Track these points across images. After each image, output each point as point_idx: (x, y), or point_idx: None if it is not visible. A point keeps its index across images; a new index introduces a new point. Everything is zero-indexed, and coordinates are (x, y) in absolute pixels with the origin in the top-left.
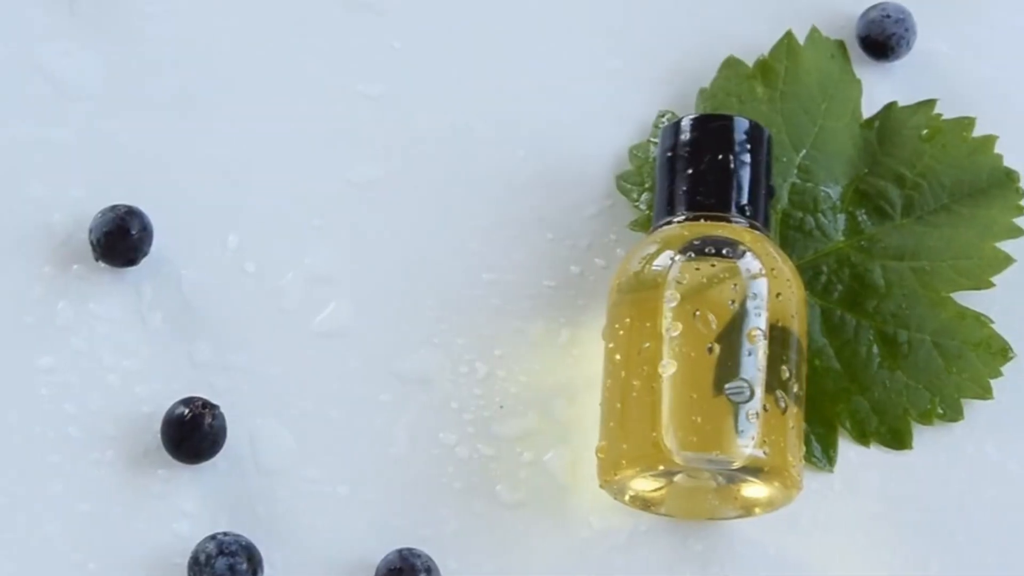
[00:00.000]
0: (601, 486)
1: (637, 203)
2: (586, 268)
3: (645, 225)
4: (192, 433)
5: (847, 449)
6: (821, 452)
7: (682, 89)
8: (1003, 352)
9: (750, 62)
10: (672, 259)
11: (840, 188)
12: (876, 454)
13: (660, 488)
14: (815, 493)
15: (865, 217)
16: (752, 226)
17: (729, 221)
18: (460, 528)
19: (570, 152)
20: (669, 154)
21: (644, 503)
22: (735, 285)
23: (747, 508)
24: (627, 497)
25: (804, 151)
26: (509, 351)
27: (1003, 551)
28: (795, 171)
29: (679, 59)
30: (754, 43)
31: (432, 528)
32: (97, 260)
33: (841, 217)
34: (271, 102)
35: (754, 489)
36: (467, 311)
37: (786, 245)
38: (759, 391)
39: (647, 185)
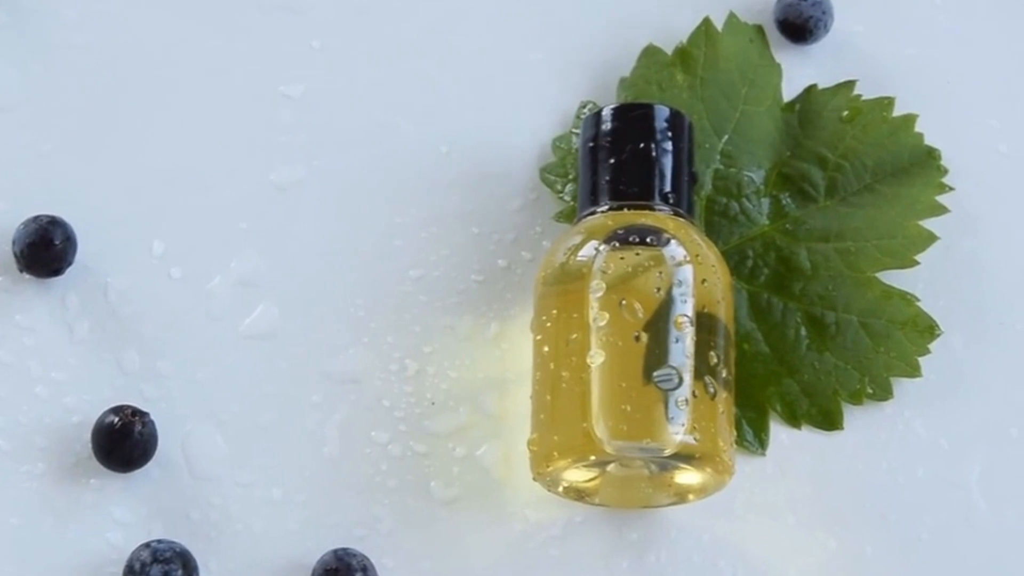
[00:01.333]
0: (534, 478)
1: (561, 194)
2: (513, 261)
3: (570, 216)
4: (123, 441)
5: (778, 432)
6: (753, 436)
7: (603, 79)
8: (930, 330)
9: (669, 50)
10: (597, 249)
11: (763, 172)
12: (807, 436)
13: (593, 478)
14: (748, 477)
15: (789, 200)
16: (676, 213)
17: (653, 209)
18: (395, 526)
19: (494, 146)
20: (591, 145)
21: (578, 494)
22: (660, 273)
23: (681, 495)
24: (561, 488)
25: (726, 136)
26: (438, 347)
27: (935, 528)
28: (718, 157)
29: (599, 49)
30: (673, 30)
31: (367, 527)
32: (21, 271)
33: (765, 201)
34: (192, 106)
35: (687, 476)
36: (395, 309)
37: (711, 231)
38: (688, 378)
39: (571, 176)
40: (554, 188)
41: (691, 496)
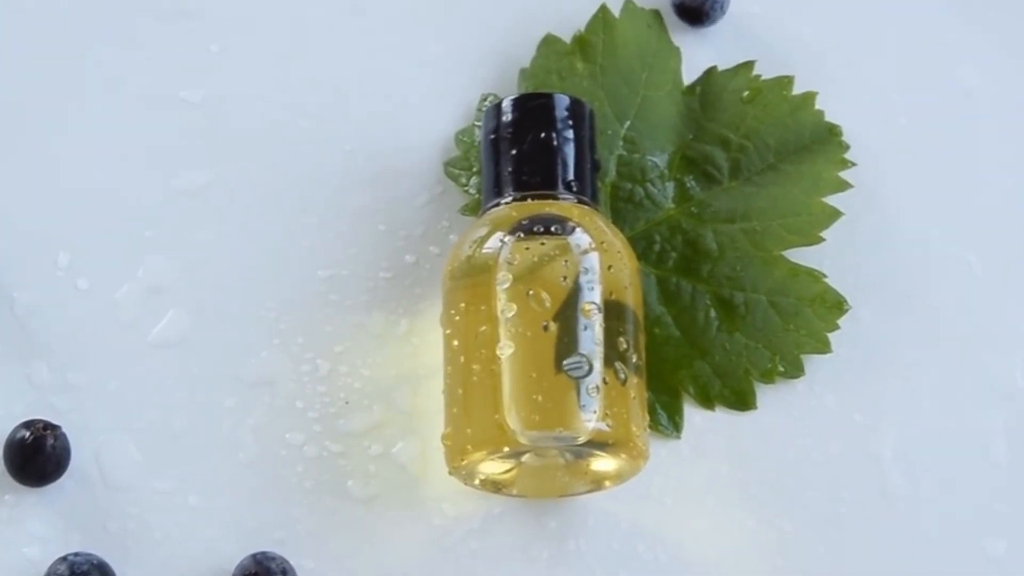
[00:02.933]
0: (450, 473)
1: (466, 188)
2: (421, 257)
3: (475, 209)
4: (35, 456)
5: (693, 414)
6: (667, 420)
7: (504, 71)
8: (838, 305)
9: (568, 39)
10: (502, 241)
11: (667, 156)
12: (721, 417)
13: (509, 470)
14: (664, 461)
15: (693, 183)
16: (580, 201)
17: (557, 198)
18: (314, 527)
19: (397, 142)
20: (492, 136)
21: (495, 486)
22: (566, 261)
23: (597, 482)
24: (477, 481)
25: (628, 122)
26: (350, 346)
27: (852, 502)
28: (621, 143)
29: (498, 41)
30: (571, 19)
31: (286, 529)
32: None
33: (670, 185)
34: (92, 115)
35: (602, 462)
36: (305, 309)
37: (617, 217)
38: (598, 365)
39: (475, 169)
40: (459, 182)
41: (607, 483)
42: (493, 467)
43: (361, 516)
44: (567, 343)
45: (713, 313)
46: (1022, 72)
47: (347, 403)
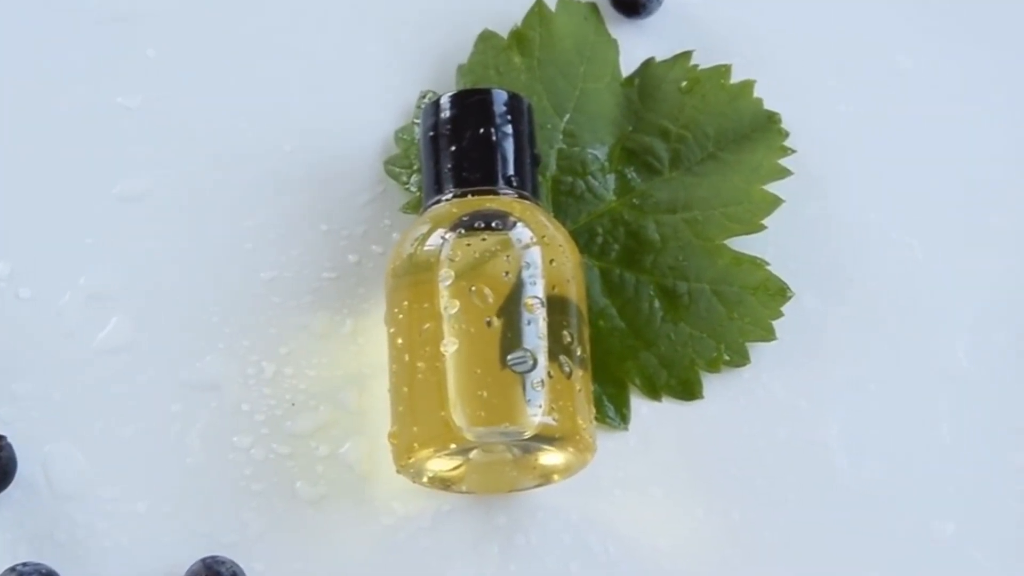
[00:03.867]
0: (398, 471)
1: (407, 186)
2: (364, 256)
3: (417, 207)
4: None
5: (640, 406)
6: (614, 411)
7: (442, 67)
8: (781, 292)
9: (505, 34)
10: (443, 238)
11: (607, 148)
12: (668, 407)
13: (457, 466)
14: (612, 453)
15: (634, 174)
16: (521, 196)
17: (497, 194)
18: (263, 530)
19: (337, 142)
20: (431, 133)
21: (443, 483)
22: (508, 257)
23: (546, 476)
24: (425, 479)
25: (568, 116)
26: (295, 347)
27: (800, 488)
28: (560, 136)
29: (436, 38)
30: (507, 14)
31: (235, 533)
32: None
33: (611, 177)
34: (29, 123)
35: (550, 456)
36: (249, 312)
37: (559, 211)
38: (542, 359)
39: (415, 167)
40: (400, 180)
41: (556, 476)
42: (441, 464)
43: (310, 517)
44: (511, 338)
45: (657, 304)
46: (958, 55)
47: (293, 404)
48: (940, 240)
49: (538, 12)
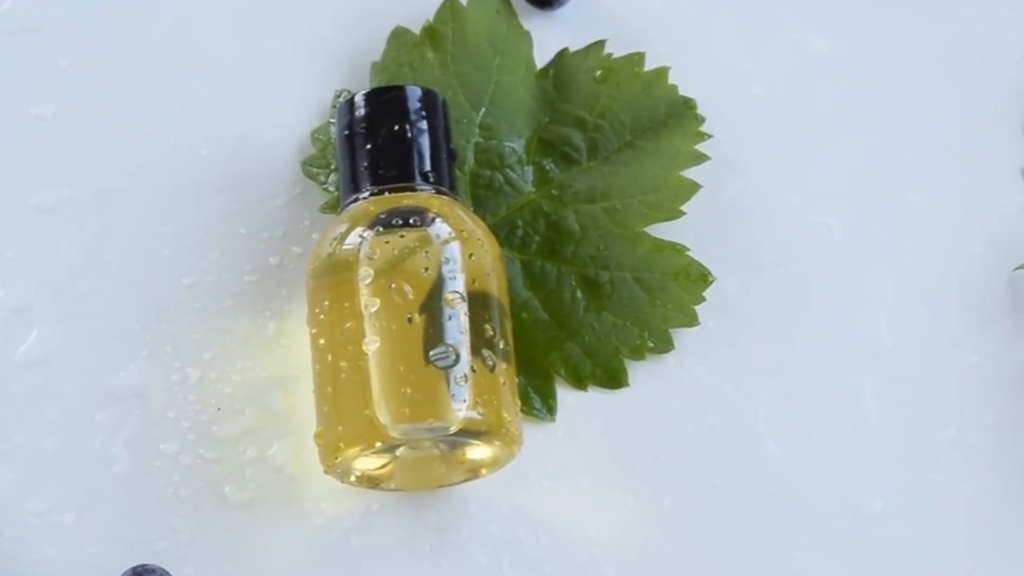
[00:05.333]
0: (326, 471)
1: (325, 186)
2: (284, 258)
3: (335, 207)
4: None
5: (566, 396)
6: (540, 403)
7: (356, 65)
8: (703, 278)
9: (417, 29)
10: (362, 236)
11: (524, 141)
12: (595, 396)
13: (385, 464)
14: (540, 444)
15: (552, 165)
16: (438, 192)
17: (415, 190)
18: (193, 536)
19: (253, 144)
20: (347, 132)
21: (372, 481)
22: (427, 253)
23: (474, 470)
24: (353, 478)
25: (483, 109)
26: (218, 352)
27: (729, 472)
28: (477, 130)
29: (349, 36)
30: (419, 9)
31: (165, 540)
32: None
33: (529, 169)
34: None
35: (477, 451)
36: (171, 318)
37: (478, 205)
38: (464, 354)
39: (333, 167)
40: (317, 180)
41: (484, 470)
42: (368, 463)
43: (240, 521)
44: (433, 334)
45: (579, 294)
46: (871, 35)
47: (219, 409)
48: (858, 219)
49: (450, 7)
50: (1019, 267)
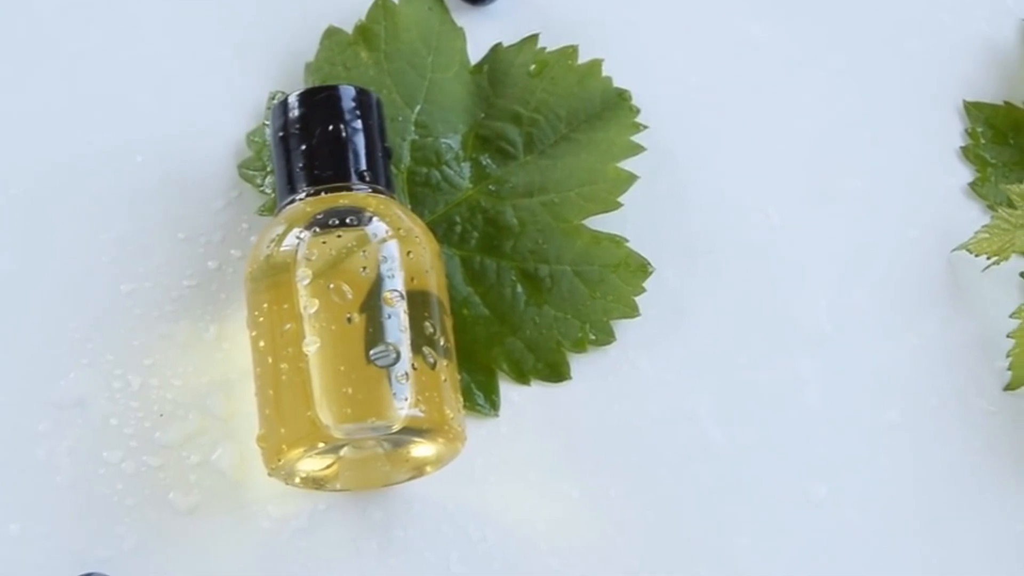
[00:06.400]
0: (270, 474)
1: (262, 188)
2: (223, 261)
3: (273, 209)
4: None
5: (509, 391)
6: (484, 399)
7: (289, 66)
8: (642, 268)
9: (350, 29)
10: (299, 237)
11: (460, 137)
12: (538, 391)
13: (329, 465)
14: (484, 440)
15: (489, 161)
16: (375, 190)
17: (351, 190)
18: (139, 543)
19: (188, 149)
20: (281, 134)
21: (317, 483)
22: (364, 252)
23: (418, 468)
24: (298, 480)
25: (419, 107)
26: (159, 358)
27: (674, 461)
28: (413, 128)
29: (282, 37)
30: (351, 9)
31: (110, 548)
32: None
33: (466, 165)
34: None
35: (421, 449)
36: (111, 326)
37: (416, 202)
38: (405, 352)
39: (269, 169)
40: (254, 182)
41: (428, 468)
42: (312, 464)
43: (186, 527)
44: (373, 333)
45: (520, 288)
46: (805, 22)
47: (161, 415)
48: (796, 206)
49: (382, 5)
50: (957, 248)
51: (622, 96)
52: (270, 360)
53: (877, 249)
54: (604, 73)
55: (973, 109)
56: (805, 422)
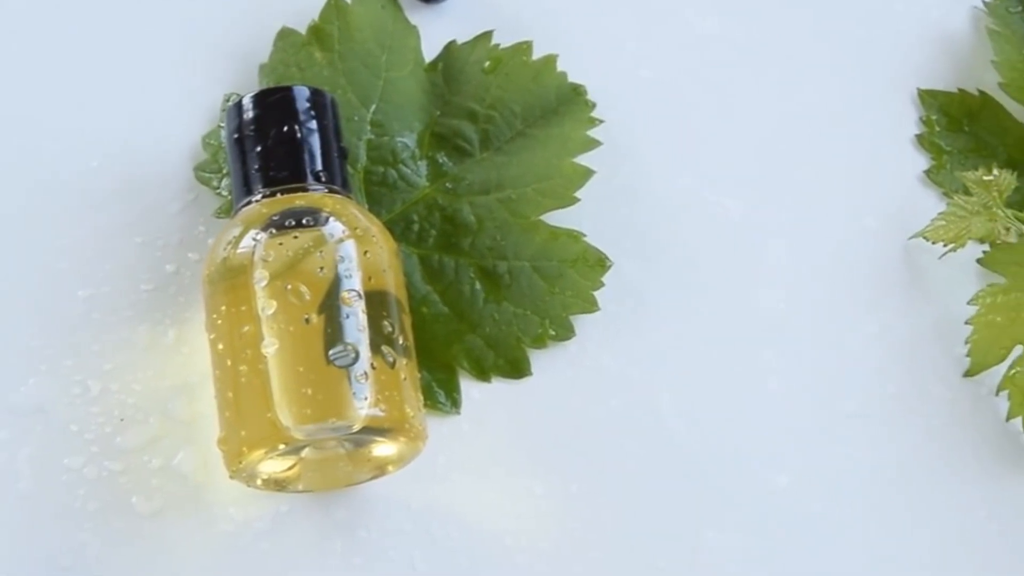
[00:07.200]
0: (231, 477)
1: (219, 190)
2: (181, 265)
3: (229, 211)
4: None
5: (470, 389)
6: (445, 397)
7: (244, 68)
8: (600, 263)
9: (303, 29)
10: (255, 239)
11: (416, 135)
12: (499, 387)
13: (291, 467)
14: (446, 438)
15: (446, 159)
16: (331, 191)
17: (307, 190)
18: (102, 549)
19: (144, 153)
20: (236, 136)
21: (278, 484)
22: (322, 252)
23: (380, 468)
24: (259, 482)
25: (374, 106)
26: (119, 362)
27: (636, 455)
28: (368, 127)
29: (236, 39)
30: (304, 9)
31: (74, 555)
32: None
33: (422, 164)
34: None
35: (382, 448)
36: (69, 332)
37: (373, 201)
38: (364, 351)
39: (225, 171)
40: (211, 185)
41: (390, 467)
42: (273, 466)
43: (149, 531)
44: (331, 333)
45: (478, 285)
46: (758, 12)
47: (122, 420)
48: (753, 196)
49: (335, 5)
50: (914, 236)
51: (577, 91)
52: (229, 362)
53: (834, 238)
54: (559, 68)
55: (927, 97)
56: (766, 413)
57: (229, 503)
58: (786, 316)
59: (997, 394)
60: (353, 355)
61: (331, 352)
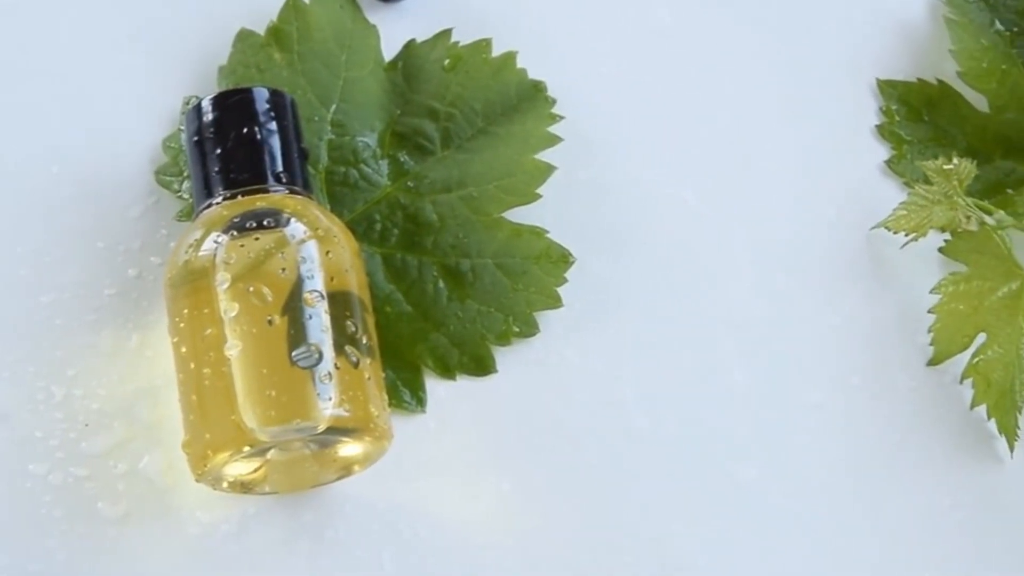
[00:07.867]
0: (197, 480)
1: (180, 193)
2: (143, 269)
3: (190, 214)
4: None
5: (435, 387)
6: (410, 396)
7: (203, 71)
8: (563, 259)
9: (262, 30)
10: (216, 241)
11: (377, 135)
12: (464, 385)
13: (257, 468)
14: (412, 437)
15: (407, 157)
16: (292, 192)
17: (268, 192)
18: (70, 555)
19: (104, 157)
20: (196, 138)
21: (245, 486)
22: (283, 254)
23: (347, 468)
24: (225, 485)
25: (334, 106)
26: (82, 368)
27: (602, 450)
28: (329, 127)
29: (194, 41)
30: (263, 10)
31: (41, 562)
32: None
33: (384, 163)
34: None
35: (348, 448)
36: (32, 338)
37: (335, 201)
38: (327, 352)
39: (186, 174)
40: (171, 188)
41: (356, 467)
42: (239, 468)
43: (116, 536)
44: (294, 334)
45: (442, 284)
46: (714, 7)
47: (87, 425)
48: (714, 190)
49: (293, 6)
50: (876, 226)
51: (537, 87)
52: (192, 366)
53: (796, 229)
54: (519, 65)
55: (886, 87)
56: (731, 405)
57: (196, 506)
58: (749, 308)
59: (961, 382)
60: (317, 356)
61: (294, 353)
